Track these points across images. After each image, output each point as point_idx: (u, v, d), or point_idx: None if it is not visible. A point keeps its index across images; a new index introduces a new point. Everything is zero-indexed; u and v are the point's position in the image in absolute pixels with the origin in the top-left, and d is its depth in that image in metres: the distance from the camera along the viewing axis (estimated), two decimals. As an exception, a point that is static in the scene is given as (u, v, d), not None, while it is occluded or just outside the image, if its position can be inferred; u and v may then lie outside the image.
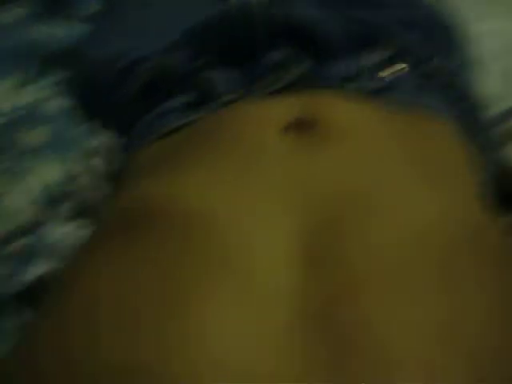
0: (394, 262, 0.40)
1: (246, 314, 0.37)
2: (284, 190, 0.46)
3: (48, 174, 0.63)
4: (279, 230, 0.43)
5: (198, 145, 0.56)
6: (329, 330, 0.36)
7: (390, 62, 0.65)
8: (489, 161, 0.66)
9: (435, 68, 0.67)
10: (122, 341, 0.36)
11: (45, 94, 0.77)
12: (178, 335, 0.36)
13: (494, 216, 0.52)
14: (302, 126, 0.55)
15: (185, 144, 0.58)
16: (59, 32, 0.85)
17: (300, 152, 0.51)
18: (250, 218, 0.44)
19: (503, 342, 0.38)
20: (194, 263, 0.40)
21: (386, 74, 0.63)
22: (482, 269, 0.41)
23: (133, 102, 0.68)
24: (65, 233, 0.61)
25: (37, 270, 0.59)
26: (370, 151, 0.53)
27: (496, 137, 0.67)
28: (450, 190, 0.52)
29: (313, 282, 0.39)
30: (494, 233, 0.47)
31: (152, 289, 0.39)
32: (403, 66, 0.65)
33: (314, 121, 0.54)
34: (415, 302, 0.38)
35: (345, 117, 0.56)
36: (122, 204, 0.50)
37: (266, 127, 0.54)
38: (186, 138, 0.59)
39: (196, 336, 0.36)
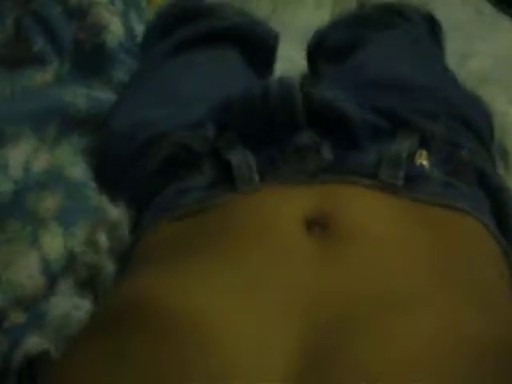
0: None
1: None
2: (291, 308, 0.43)
3: (50, 247, 0.61)
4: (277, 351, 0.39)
5: (209, 235, 0.53)
6: None
7: (412, 155, 0.63)
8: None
9: (462, 163, 0.64)
10: None
11: (60, 163, 0.76)
12: None
13: None
14: (319, 225, 0.52)
15: (195, 232, 0.55)
16: (81, 101, 0.84)
17: (316, 256, 0.49)
18: (247, 332, 0.40)
19: None
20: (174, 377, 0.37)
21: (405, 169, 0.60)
22: None
23: (151, 177, 0.67)
24: (63, 310, 0.58)
25: (29, 347, 0.56)
26: (387, 255, 0.49)
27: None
28: (485, 304, 0.48)
29: None
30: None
31: None
32: (424, 162, 0.63)
33: (331, 219, 0.52)
34: None
35: (364, 217, 0.53)
36: (116, 296, 0.48)
37: (284, 225, 0.52)
38: (198, 226, 0.56)
39: None
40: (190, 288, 0.44)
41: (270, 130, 0.64)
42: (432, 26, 1.01)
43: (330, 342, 0.39)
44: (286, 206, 0.55)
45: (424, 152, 0.64)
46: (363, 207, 0.56)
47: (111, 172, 0.74)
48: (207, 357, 0.38)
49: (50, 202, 0.66)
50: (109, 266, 0.60)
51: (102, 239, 0.61)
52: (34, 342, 0.56)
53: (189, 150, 0.65)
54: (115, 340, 0.41)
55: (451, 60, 1.06)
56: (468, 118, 0.74)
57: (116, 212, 0.63)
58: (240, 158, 0.62)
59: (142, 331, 0.41)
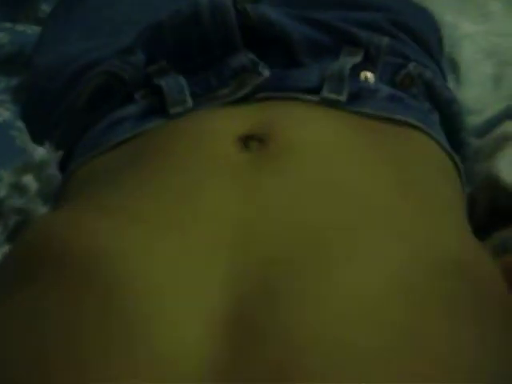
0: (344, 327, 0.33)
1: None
2: (221, 232, 0.39)
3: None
4: (203, 292, 0.35)
5: (136, 163, 0.49)
6: None
7: (357, 70, 0.59)
8: (474, 172, 0.60)
9: (409, 76, 0.61)
10: None
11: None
12: None
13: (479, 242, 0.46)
14: (256, 140, 0.48)
15: (123, 162, 0.51)
16: (3, 36, 0.78)
17: (250, 173, 0.44)
18: (164, 274, 0.36)
19: None
20: (89, 322, 0.34)
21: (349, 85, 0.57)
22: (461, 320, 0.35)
23: (81, 111, 0.62)
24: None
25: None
26: (327, 170, 0.46)
27: (483, 147, 0.61)
28: (431, 214, 0.46)
29: (237, 360, 0.31)
30: (481, 265, 0.41)
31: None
32: (369, 75, 0.59)
33: (267, 136, 0.48)
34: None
35: (301, 133, 0.49)
36: (30, 237, 0.44)
37: (217, 142, 0.48)
38: (126, 155, 0.53)
39: None
40: (106, 225, 0.41)
41: (203, 53, 0.60)
42: None
43: (257, 295, 0.35)
44: (219, 123, 0.52)
45: (369, 67, 0.61)
46: (304, 120, 0.52)
47: (39, 110, 0.70)
48: (124, 311, 0.34)
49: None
50: (40, 209, 0.56)
51: (29, 181, 0.56)
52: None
53: (119, 79, 0.60)
54: (27, 287, 0.38)
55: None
56: (415, 30, 0.71)
57: (43, 151, 0.58)
58: (171, 82, 0.58)
59: (54, 283, 0.37)
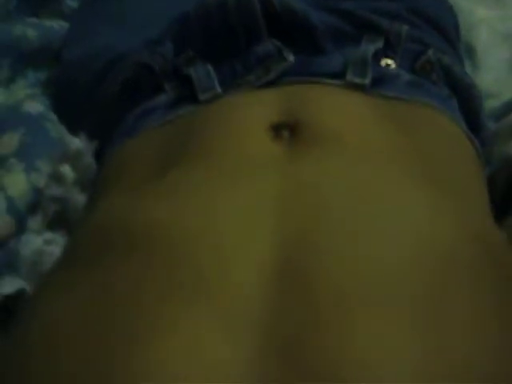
0: (378, 282, 0.36)
1: (214, 340, 0.33)
2: (264, 204, 0.42)
3: (13, 186, 0.59)
4: (254, 247, 0.38)
5: (171, 149, 0.52)
6: (300, 360, 0.32)
7: (378, 57, 0.61)
8: (493, 155, 0.62)
9: (429, 62, 0.63)
10: (83, 374, 0.33)
11: (16, 98, 0.73)
12: (141, 366, 0.32)
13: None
14: (288, 128, 0.50)
15: (158, 148, 0.54)
16: (31, 31, 0.80)
17: (284, 160, 0.47)
18: (223, 235, 0.39)
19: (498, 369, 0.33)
20: (159, 284, 0.37)
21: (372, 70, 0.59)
22: (479, 293, 0.37)
23: (113, 102, 0.65)
24: (35, 247, 0.57)
25: (7, 288, 0.55)
26: (357, 155, 0.48)
27: (501, 130, 0.63)
28: (456, 196, 0.48)
29: (286, 306, 0.35)
30: (500, 249, 0.43)
31: (113, 317, 0.36)
32: (390, 62, 0.61)
33: (297, 124, 0.50)
34: (400, 329, 0.34)
35: (330, 121, 0.51)
36: (88, 222, 0.46)
37: (250, 130, 0.50)
38: (160, 141, 0.55)
39: (161, 363, 0.32)
40: (158, 205, 0.43)
41: (230, 42, 0.62)
42: None
43: (301, 261, 0.38)
44: (250, 110, 0.53)
45: (390, 54, 0.62)
46: (333, 106, 0.54)
47: (72, 102, 0.72)
48: (185, 267, 0.37)
49: (9, 140, 0.64)
50: (77, 197, 0.58)
51: (67, 170, 0.59)
52: (8, 282, 0.55)
53: (149, 70, 0.62)
54: (91, 271, 0.40)
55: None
56: (433, 17, 0.72)
57: (77, 141, 0.61)
58: (200, 71, 0.60)
59: (119, 259, 0.40)
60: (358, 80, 0.57)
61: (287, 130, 0.50)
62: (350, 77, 0.58)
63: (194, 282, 0.36)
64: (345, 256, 0.37)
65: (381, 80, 0.58)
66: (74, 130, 0.64)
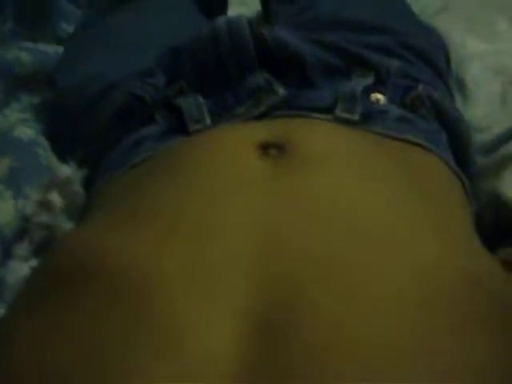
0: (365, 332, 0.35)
1: None
2: (246, 237, 0.41)
3: (0, 212, 0.59)
4: (224, 301, 0.37)
5: (158, 178, 0.52)
6: None
7: (368, 92, 0.62)
8: (480, 190, 0.62)
9: (419, 97, 0.64)
10: None
11: (8, 123, 0.74)
12: None
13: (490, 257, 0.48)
14: (275, 147, 0.51)
15: (145, 178, 0.54)
16: (25, 55, 0.81)
17: (271, 179, 0.46)
18: (192, 280, 0.38)
19: None
20: (120, 328, 0.36)
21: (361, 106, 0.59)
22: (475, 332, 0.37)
23: (103, 131, 0.65)
24: (21, 274, 0.56)
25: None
26: (343, 175, 0.48)
27: (490, 165, 0.63)
28: (444, 229, 0.48)
29: (257, 361, 0.33)
30: (492, 281, 0.42)
31: (74, 357, 0.35)
32: (380, 97, 0.62)
33: (285, 143, 0.50)
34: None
35: (318, 142, 0.52)
36: (59, 252, 0.46)
37: (238, 150, 0.50)
38: (148, 172, 0.55)
39: None
40: (131, 238, 0.43)
41: (221, 75, 0.62)
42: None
43: (283, 294, 0.37)
44: (238, 133, 0.54)
45: (379, 89, 0.63)
46: (320, 133, 0.54)
47: (63, 129, 0.72)
48: (149, 311, 0.36)
49: (-2, 165, 0.64)
50: (65, 225, 0.58)
51: (55, 198, 0.59)
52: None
53: (140, 100, 0.63)
54: (55, 299, 0.40)
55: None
56: (423, 51, 0.73)
57: (67, 169, 0.61)
58: (190, 101, 0.60)
59: (82, 289, 0.39)
60: (346, 115, 0.58)
61: (275, 149, 0.50)
62: (338, 112, 0.58)
63: (156, 330, 0.35)
64: (332, 294, 0.36)
65: (370, 115, 0.59)
66: (64, 156, 0.65)
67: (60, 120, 0.73)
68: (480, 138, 0.78)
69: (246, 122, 0.58)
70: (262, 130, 0.54)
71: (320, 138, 0.53)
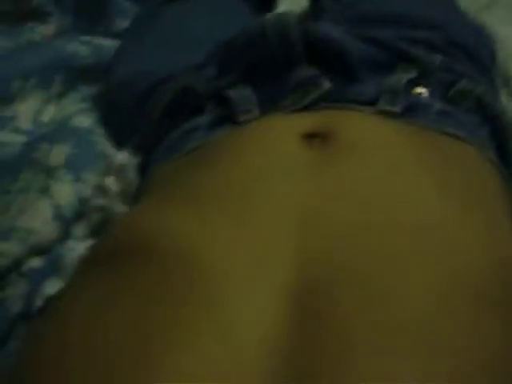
0: (402, 327, 0.36)
1: (224, 369, 0.34)
2: (288, 219, 0.43)
3: (61, 195, 0.63)
4: (270, 279, 0.39)
5: (207, 166, 0.55)
6: None
7: (411, 86, 0.63)
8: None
9: (462, 92, 0.65)
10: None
11: (67, 113, 0.78)
12: None
13: None
14: (320, 137, 0.53)
15: (195, 166, 0.57)
16: (83, 49, 0.85)
17: (313, 169, 0.49)
18: (240, 260, 0.40)
19: None
20: (171, 304, 0.38)
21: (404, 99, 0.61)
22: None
23: (157, 121, 0.68)
24: (78, 254, 0.60)
25: (51, 290, 0.59)
26: (386, 167, 0.50)
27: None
28: (484, 220, 0.48)
29: (299, 341, 0.35)
30: None
31: (125, 331, 0.37)
32: (423, 91, 0.63)
33: (329, 134, 0.53)
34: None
35: (361, 133, 0.54)
36: (116, 231, 0.49)
37: (282, 140, 0.53)
38: (198, 160, 0.58)
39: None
40: (185, 219, 0.45)
41: (269, 68, 0.65)
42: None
43: (323, 274, 0.38)
44: (283, 124, 0.56)
45: (423, 83, 0.64)
46: (363, 125, 0.56)
47: (117, 120, 0.75)
48: (201, 289, 0.38)
49: (58, 152, 0.68)
50: (120, 208, 0.62)
51: (111, 183, 0.62)
52: (52, 285, 0.59)
53: (192, 92, 0.66)
54: (111, 275, 0.42)
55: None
56: (468, 47, 0.74)
57: (122, 156, 0.64)
58: (240, 93, 0.63)
59: (138, 267, 0.41)
60: (388, 108, 0.60)
61: (319, 139, 0.53)
62: (381, 105, 0.60)
63: (207, 307, 0.37)
64: (370, 287, 0.37)
65: (412, 108, 0.61)
66: (119, 144, 0.68)
67: (114, 112, 0.77)
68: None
69: (292, 113, 0.60)
70: (307, 121, 0.56)
71: (362, 130, 0.55)
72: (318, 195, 0.45)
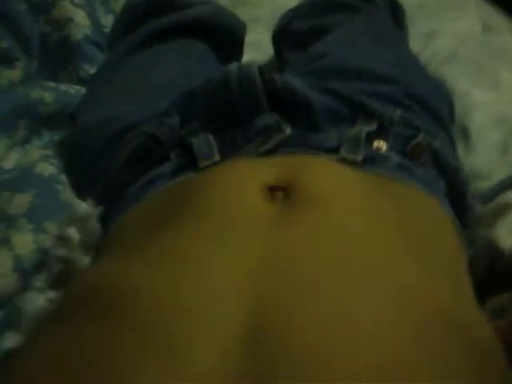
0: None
1: None
2: (244, 266, 0.44)
3: (21, 245, 0.62)
4: (224, 312, 0.41)
5: (166, 214, 0.55)
6: None
7: (370, 138, 0.65)
8: (476, 238, 0.65)
9: (419, 146, 0.66)
10: None
11: (31, 159, 0.77)
12: None
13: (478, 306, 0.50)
14: (282, 190, 0.54)
15: (155, 214, 0.57)
16: (48, 95, 0.85)
17: (274, 221, 0.49)
18: (194, 301, 0.42)
19: None
20: (129, 350, 0.39)
21: (364, 150, 0.62)
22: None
23: (121, 170, 0.68)
24: (37, 305, 0.59)
25: (7, 343, 0.58)
26: (345, 220, 0.51)
27: (486, 212, 0.66)
28: (433, 274, 0.50)
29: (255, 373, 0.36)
30: (476, 327, 0.45)
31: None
32: (381, 144, 0.65)
33: (291, 187, 0.54)
34: None
35: (323, 186, 0.55)
36: (76, 288, 0.49)
37: (244, 191, 0.54)
38: (158, 208, 0.58)
39: None
40: (142, 270, 0.46)
41: (231, 116, 0.66)
42: (395, 9, 1.03)
43: (271, 312, 0.40)
44: (245, 173, 0.57)
45: (382, 136, 0.66)
46: (326, 174, 0.57)
47: (81, 167, 0.75)
48: (150, 341, 0.39)
49: (20, 200, 0.68)
50: (82, 259, 0.61)
51: (73, 233, 0.62)
52: (11, 338, 0.58)
53: (156, 141, 0.66)
54: (72, 326, 0.43)
55: (416, 39, 1.09)
56: (427, 101, 0.76)
57: (84, 205, 0.64)
58: (201, 140, 0.64)
59: (96, 318, 0.42)
60: (350, 156, 0.61)
61: (281, 192, 0.54)
62: (343, 153, 0.62)
63: (163, 350, 0.38)
64: (318, 331, 0.39)
65: (372, 160, 0.62)
66: (81, 192, 0.68)
67: (78, 158, 0.77)
68: (481, 185, 0.82)
69: (254, 160, 0.61)
70: (269, 171, 0.57)
71: (325, 181, 0.56)
72: (275, 249, 0.46)
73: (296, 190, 0.53)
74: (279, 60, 1.05)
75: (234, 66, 0.68)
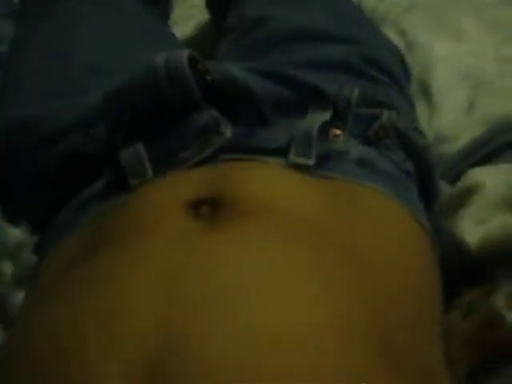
0: None
1: None
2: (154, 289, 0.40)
3: None
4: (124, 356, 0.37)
5: (91, 247, 0.49)
6: None
7: (326, 128, 0.59)
8: (441, 230, 0.60)
9: (382, 128, 0.61)
10: None
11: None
12: None
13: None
14: (208, 205, 0.48)
15: (82, 247, 0.51)
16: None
17: (196, 241, 0.44)
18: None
19: None
20: None
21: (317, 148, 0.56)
22: None
23: (47, 192, 0.62)
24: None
25: None
26: (270, 237, 0.45)
27: (449, 200, 0.62)
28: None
29: None
30: None
31: None
32: (338, 132, 0.59)
33: (223, 198, 0.48)
34: None
35: (257, 199, 0.48)
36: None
37: (163, 210, 0.48)
38: (86, 239, 0.52)
39: None
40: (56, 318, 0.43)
41: (163, 117, 0.58)
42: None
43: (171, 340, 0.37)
44: (168, 192, 0.51)
45: (338, 123, 0.60)
46: (262, 185, 0.51)
47: (6, 177, 0.67)
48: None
49: None
50: (15, 293, 0.57)
51: (6, 267, 0.57)
52: None
53: (84, 156, 0.59)
54: None
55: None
56: (383, 62, 0.71)
57: (18, 233, 0.59)
58: (130, 154, 0.57)
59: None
60: (301, 160, 0.55)
61: (208, 206, 0.48)
62: (292, 156, 0.55)
63: None
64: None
65: (327, 158, 0.56)
66: (14, 216, 0.62)
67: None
68: (446, 150, 0.77)
69: (187, 172, 0.55)
70: (196, 185, 0.51)
71: (260, 193, 0.49)
72: (188, 267, 0.42)
73: (224, 204, 0.48)
74: (215, 26, 0.97)
75: (159, 58, 0.59)
